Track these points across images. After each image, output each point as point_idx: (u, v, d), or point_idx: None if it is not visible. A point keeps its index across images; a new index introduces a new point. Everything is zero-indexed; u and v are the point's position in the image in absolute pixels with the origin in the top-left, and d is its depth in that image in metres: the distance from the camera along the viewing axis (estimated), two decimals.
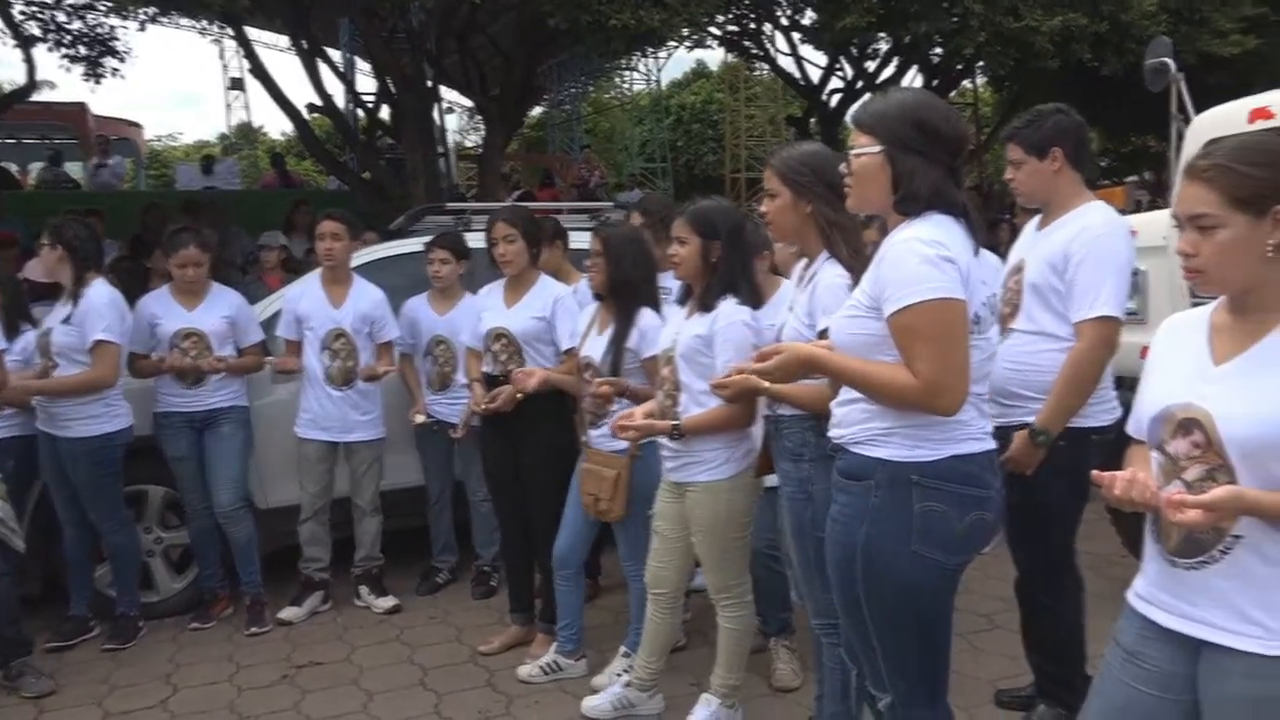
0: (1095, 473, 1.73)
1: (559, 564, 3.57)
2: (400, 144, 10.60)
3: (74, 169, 14.44)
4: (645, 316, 3.33)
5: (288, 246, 7.25)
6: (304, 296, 4.41)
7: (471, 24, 9.74)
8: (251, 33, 10.76)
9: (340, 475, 4.40)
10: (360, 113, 12.44)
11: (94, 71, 9.70)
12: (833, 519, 2.20)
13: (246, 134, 33.79)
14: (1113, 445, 2.72)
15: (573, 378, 3.57)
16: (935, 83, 13.91)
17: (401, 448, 4.58)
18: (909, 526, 2.04)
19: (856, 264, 2.20)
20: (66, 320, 3.89)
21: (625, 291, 3.35)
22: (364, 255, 4.90)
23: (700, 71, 33.14)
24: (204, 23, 10.69)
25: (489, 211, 4.41)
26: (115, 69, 9.93)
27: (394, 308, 4.51)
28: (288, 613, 4.29)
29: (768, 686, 3.46)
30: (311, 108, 10.68)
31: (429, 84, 9.96)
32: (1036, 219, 3.01)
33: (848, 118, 15.38)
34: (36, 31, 9.48)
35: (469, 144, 23.04)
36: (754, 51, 15.23)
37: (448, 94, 14.78)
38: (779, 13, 13.29)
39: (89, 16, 9.40)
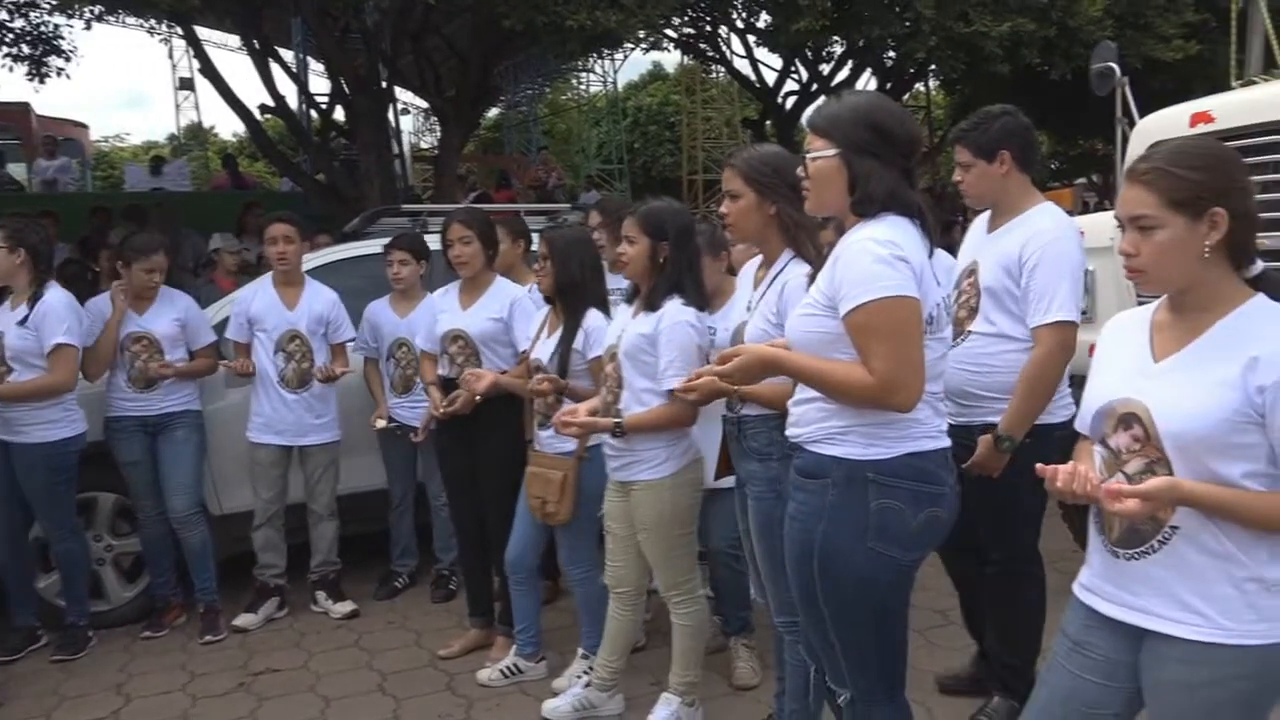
0: (1039, 466, 1.77)
1: (511, 569, 3.56)
2: (355, 145, 10.50)
3: (17, 170, 14.10)
4: (592, 318, 3.34)
5: (249, 249, 7.15)
6: (256, 299, 4.35)
7: (426, 24, 9.67)
8: (201, 32, 10.59)
9: (295, 480, 4.35)
10: (313, 114, 12.29)
11: (38, 71, 9.49)
12: (790, 517, 2.23)
13: (196, 135, 33.21)
14: (1071, 440, 2.84)
15: (524, 381, 3.57)
16: (889, 86, 14.08)
17: (360, 451, 4.54)
18: (865, 523, 2.07)
19: (818, 264, 2.22)
20: (22, 323, 3.80)
21: (572, 293, 3.35)
22: (318, 257, 4.87)
23: (656, 73, 33.21)
24: (152, 22, 10.50)
25: (445, 213, 4.39)
26: (60, 69, 9.73)
27: (350, 310, 4.48)
28: (243, 620, 4.23)
29: (728, 685, 3.48)
30: (264, 108, 10.54)
31: (383, 85, 9.87)
32: (984, 219, 3.06)
33: (803, 120, 15.54)
34: None
35: (424, 145, 22.87)
36: (710, 54, 15.32)
37: (402, 95, 14.68)
38: (734, 15, 13.38)
39: (32, 15, 9.19)
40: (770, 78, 15.31)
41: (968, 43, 10.24)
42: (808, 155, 2.17)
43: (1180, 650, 1.68)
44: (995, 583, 3.11)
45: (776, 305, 2.50)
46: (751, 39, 14.33)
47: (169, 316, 4.18)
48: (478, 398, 3.61)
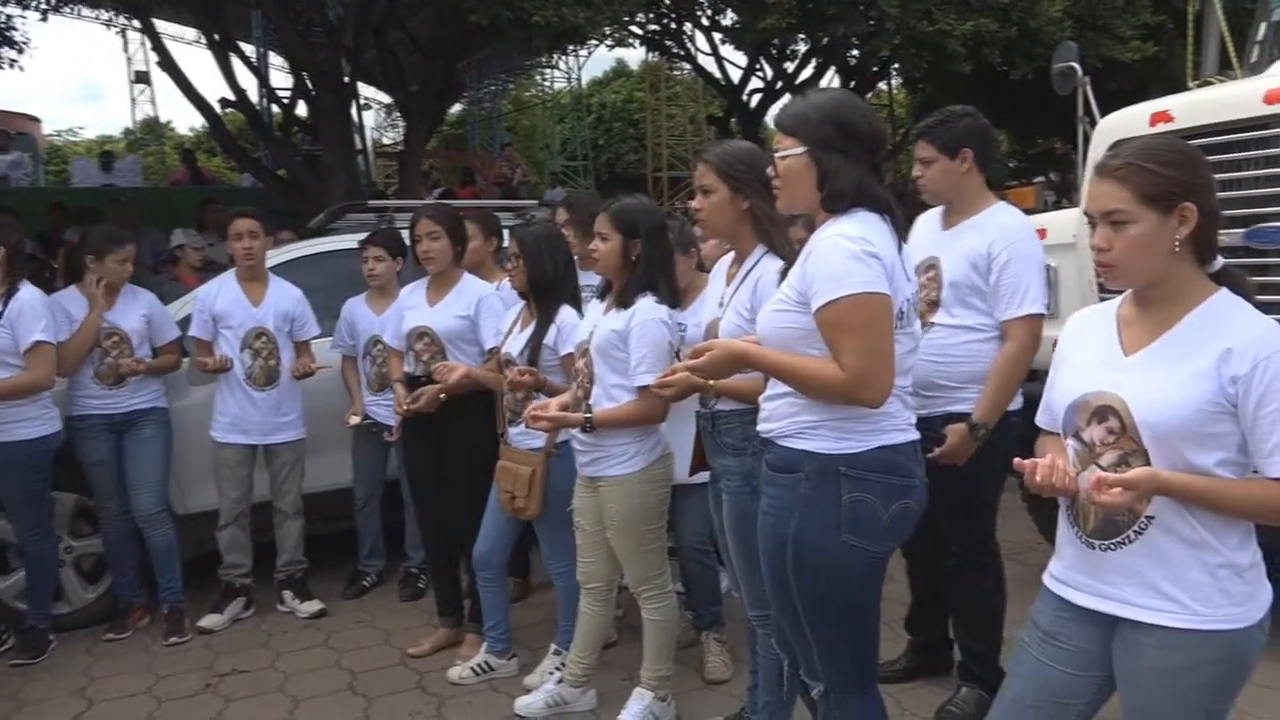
0: (1017, 460, 1.80)
1: (480, 565, 3.55)
2: (317, 141, 10.38)
3: None
4: (564, 314, 3.34)
5: (214, 245, 7.04)
6: (220, 295, 4.30)
7: (389, 18, 9.59)
8: (160, 25, 10.39)
9: (260, 478, 4.30)
10: (275, 108, 12.14)
11: None
12: (763, 511, 2.24)
13: (153, 129, 32.65)
14: (1020, 429, 2.93)
15: (495, 375, 3.56)
16: (852, 84, 14.19)
17: (327, 449, 4.50)
18: (838, 517, 2.09)
19: (790, 260, 2.24)
20: None
21: (545, 290, 3.35)
22: (283, 254, 4.81)
23: (620, 70, 33.18)
24: (108, 14, 10.31)
25: (411, 209, 4.35)
26: (13, 60, 9.52)
27: (315, 307, 4.44)
28: (208, 620, 4.17)
29: (700, 679, 3.49)
30: (224, 102, 10.39)
31: (346, 80, 9.77)
32: (935, 215, 3.11)
33: (768, 118, 15.61)
34: None
35: (386, 141, 22.68)
36: (675, 51, 15.34)
37: (365, 90, 14.53)
38: (700, 13, 13.41)
39: None
40: (735, 75, 15.37)
41: (931, 42, 10.36)
42: (777, 154, 2.19)
43: (1156, 637, 1.72)
44: (957, 574, 3.17)
45: (750, 300, 2.51)
46: (717, 36, 14.39)
47: (137, 312, 4.13)
48: (442, 396, 3.59)
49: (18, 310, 3.75)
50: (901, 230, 2.18)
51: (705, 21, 13.94)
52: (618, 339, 2.91)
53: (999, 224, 2.92)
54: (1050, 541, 4.27)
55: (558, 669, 3.38)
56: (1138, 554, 1.73)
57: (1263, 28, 4.61)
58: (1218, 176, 3.32)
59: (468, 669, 3.58)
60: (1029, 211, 5.62)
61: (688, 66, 16.78)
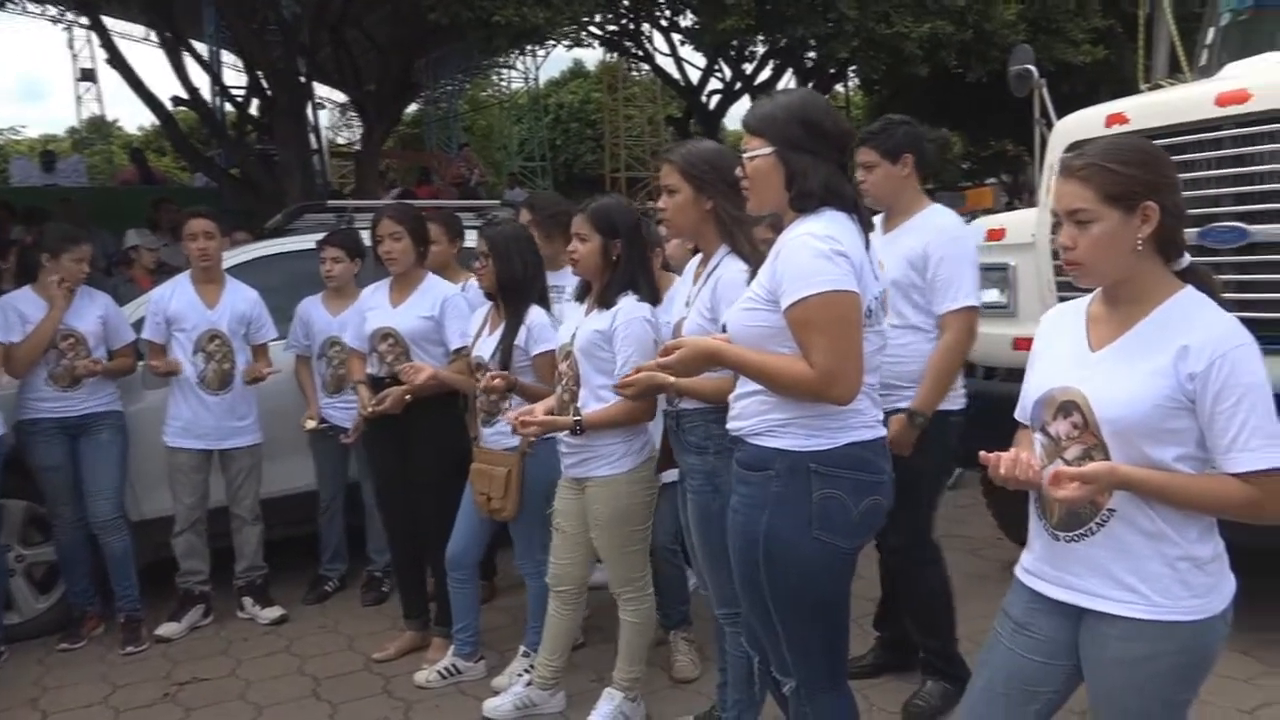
0: (982, 454, 1.82)
1: (453, 565, 3.52)
2: (273, 140, 10.23)
3: None
4: (533, 314, 3.33)
5: (168, 246, 6.92)
6: (174, 297, 4.22)
7: (346, 16, 9.48)
8: (108, 21, 10.16)
9: (217, 483, 4.23)
10: (229, 107, 11.95)
11: None
12: (734, 509, 2.25)
13: (99, 128, 31.96)
14: (961, 428, 3.07)
15: (464, 376, 3.53)
16: (810, 85, 14.28)
17: (287, 453, 4.44)
18: (809, 513, 2.11)
19: (755, 258, 2.25)
20: None
21: (514, 290, 3.34)
22: (239, 255, 4.74)
23: (578, 70, 33.13)
24: (55, 9, 10.08)
25: (371, 209, 4.30)
26: None
27: (272, 309, 4.37)
28: (166, 629, 4.09)
29: (668, 678, 3.49)
30: (177, 101, 10.20)
31: (302, 79, 9.64)
32: (875, 221, 3.18)
33: (727, 119, 15.69)
34: None
35: (340, 141, 22.41)
36: (634, 51, 15.35)
37: (320, 89, 14.34)
38: (658, 14, 13.43)
39: None
40: (694, 76, 15.43)
41: (888, 44, 10.47)
42: (745, 154, 2.20)
43: (1119, 628, 1.75)
44: (900, 569, 3.27)
45: (710, 300, 2.53)
46: (676, 37, 14.42)
47: (93, 314, 4.04)
48: (408, 397, 3.56)
49: None
50: (869, 228, 2.21)
51: (664, 23, 13.97)
52: (602, 339, 2.90)
53: (934, 225, 3.06)
54: (1010, 537, 4.38)
55: (526, 671, 3.36)
56: (1100, 546, 1.77)
57: (1211, 32, 4.72)
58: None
59: (435, 672, 3.55)
60: (987, 212, 5.73)
61: (646, 67, 16.79)
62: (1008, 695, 1.92)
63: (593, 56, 31.10)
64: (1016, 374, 2.08)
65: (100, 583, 4.11)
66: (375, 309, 3.80)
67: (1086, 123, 3.75)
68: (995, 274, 4.18)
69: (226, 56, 13.81)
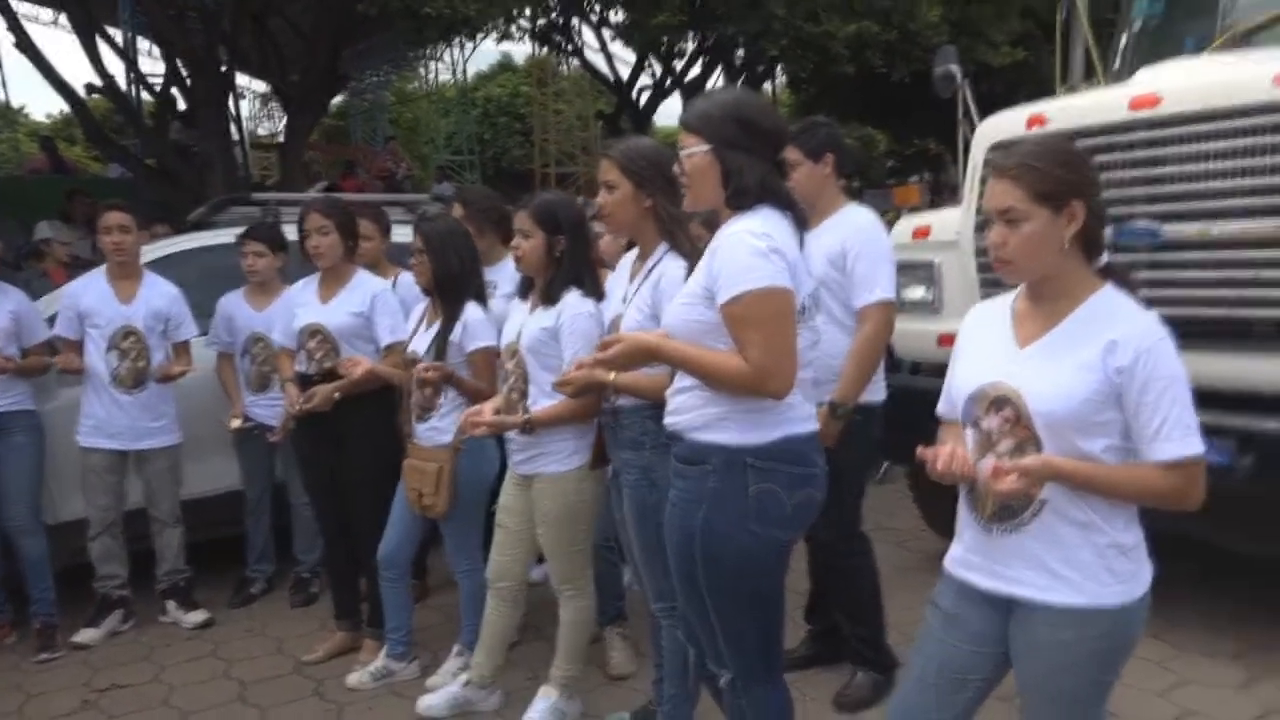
0: (919, 449, 1.87)
1: (385, 564, 3.47)
2: (193, 130, 9.93)
3: None
4: (469, 310, 3.30)
5: (83, 239, 6.67)
6: (87, 292, 4.09)
7: (270, 4, 9.25)
8: (15, 4, 9.75)
9: (134, 485, 4.10)
10: (146, 95, 11.56)
11: None
12: (671, 503, 2.27)
13: (3, 114, 30.64)
14: (882, 420, 3.18)
15: (399, 371, 3.49)
16: (739, 83, 14.40)
17: (210, 452, 4.33)
18: (746, 507, 2.13)
19: (695, 256, 2.27)
20: None
21: (450, 286, 3.31)
22: (159, 249, 4.61)
23: (506, 64, 32.83)
24: None
25: (296, 202, 4.20)
26: None
27: (197, 305, 4.26)
28: (84, 635, 3.96)
29: (604, 675, 3.50)
30: (91, 88, 9.84)
31: (224, 68, 9.38)
32: None
33: (657, 115, 15.72)
34: None
35: (262, 132, 21.87)
36: (563, 46, 15.30)
37: (240, 79, 13.97)
38: (589, 9, 13.40)
39: None
40: (625, 72, 15.44)
41: (816, 43, 10.63)
42: (682, 152, 2.21)
43: (1049, 615, 1.81)
44: (829, 562, 3.34)
45: (651, 297, 2.54)
46: (606, 33, 14.41)
47: (3, 309, 3.88)
48: (336, 395, 3.50)
49: None
50: (803, 226, 2.24)
51: (594, 18, 13.95)
52: (548, 336, 2.89)
53: (851, 222, 3.15)
54: (936, 530, 4.48)
55: (462, 670, 3.34)
56: (1032, 536, 1.82)
57: (1124, 37, 4.88)
58: None
59: (367, 674, 3.50)
60: (915, 209, 5.84)
61: (576, 62, 16.74)
62: (939, 685, 1.97)
63: (521, 51, 30.93)
64: (941, 369, 2.13)
65: (13, 589, 3.96)
66: (304, 305, 3.72)
67: (1008, 124, 3.85)
68: (920, 271, 4.27)
69: (143, 43, 13.39)
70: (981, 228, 3.43)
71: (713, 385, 2.14)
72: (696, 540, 2.19)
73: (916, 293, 4.34)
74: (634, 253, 2.75)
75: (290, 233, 4.18)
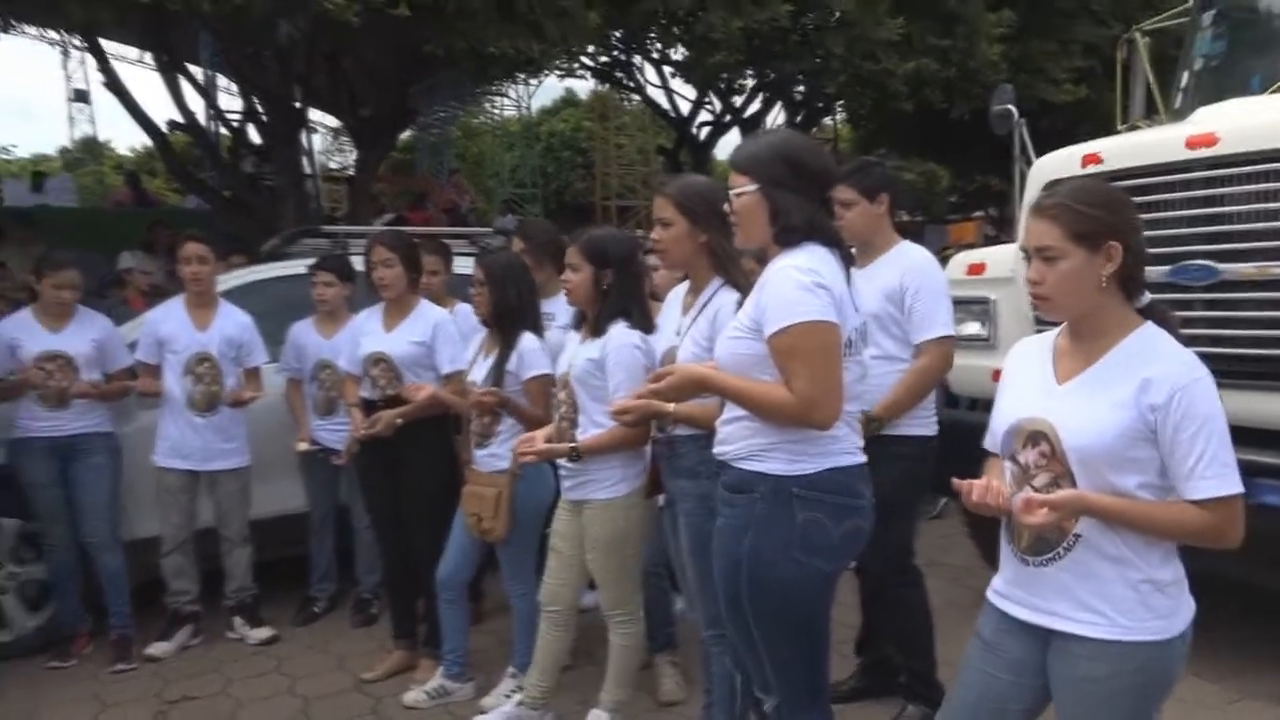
0: (955, 480, 1.91)
1: (443, 586, 3.58)
2: (269, 165, 10.31)
3: None
4: (525, 340, 3.42)
5: (162, 269, 6.96)
6: (167, 319, 4.29)
7: (341, 45, 9.60)
8: (104, 44, 10.26)
9: (205, 505, 4.27)
10: (224, 130, 12.04)
11: None
12: (719, 530, 2.33)
13: (91, 149, 31.97)
14: (938, 453, 3.19)
15: (459, 398, 3.61)
16: (799, 119, 14.50)
17: (278, 474, 4.48)
18: (791, 536, 2.19)
19: (746, 290, 2.35)
20: None
21: (508, 317, 3.43)
22: (235, 278, 4.80)
23: (569, 99, 33.37)
24: (55, 34, 10.17)
25: (363, 234, 4.36)
26: None
27: (269, 333, 4.44)
28: (156, 648, 4.12)
29: (653, 701, 3.55)
30: (173, 125, 10.28)
31: (297, 105, 9.74)
32: None
33: (717, 150, 15.86)
34: None
35: (334, 165, 22.51)
36: (625, 83, 15.55)
37: (312, 114, 14.45)
38: (650, 47, 13.63)
39: None
40: (685, 107, 15.63)
41: (874, 80, 10.68)
42: (732, 192, 2.30)
43: (1084, 648, 1.83)
44: (880, 594, 3.36)
45: (708, 331, 2.61)
46: (667, 70, 14.62)
47: (86, 336, 4.09)
48: (399, 420, 3.63)
49: None
50: (850, 262, 2.31)
51: (655, 55, 14.17)
52: (594, 368, 2.99)
53: (908, 259, 3.20)
54: (990, 564, 4.43)
55: (514, 691, 3.42)
56: (1066, 569, 1.85)
57: (1185, 75, 4.87)
58: (1143, 216, 3.54)
59: (423, 693, 3.60)
60: (969, 246, 5.85)
61: (637, 97, 17.00)
62: (978, 712, 2.00)
63: (585, 86, 31.36)
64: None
65: (90, 601, 4.14)
66: (369, 334, 3.87)
67: (1063, 162, 3.88)
68: (976, 307, 4.29)
69: (221, 80, 13.94)
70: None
71: (760, 416, 2.21)
72: (743, 567, 2.24)
73: (971, 328, 4.36)
74: (684, 286, 2.84)
75: (358, 264, 4.35)
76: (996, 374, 2.93)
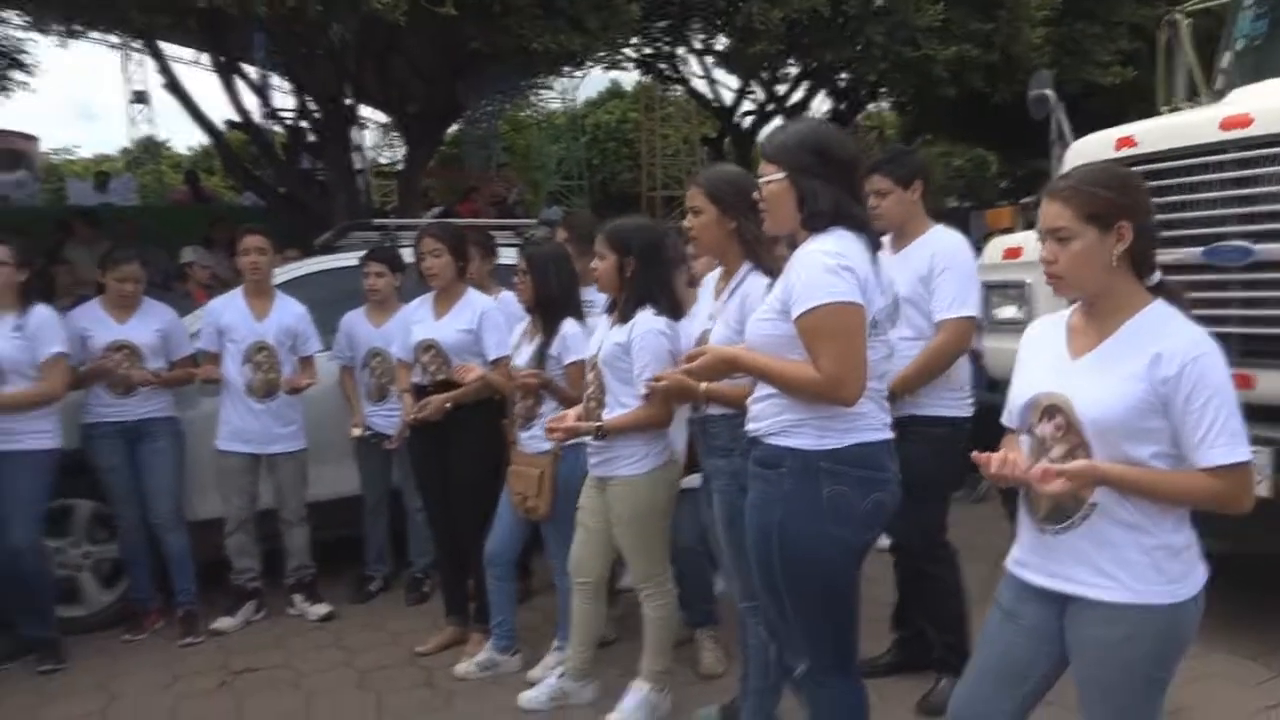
0: (974, 454, 2.00)
1: (490, 562, 3.73)
2: (321, 161, 10.59)
3: None
4: (567, 326, 3.55)
5: (221, 263, 7.22)
6: (227, 310, 4.49)
7: (391, 44, 9.83)
8: (163, 45, 10.61)
9: (266, 487, 4.47)
10: (278, 129, 12.36)
11: (1, 86, 9.49)
12: (750, 504, 2.44)
13: (150, 148, 32.80)
14: (972, 434, 3.18)
15: (505, 382, 3.76)
16: (842, 106, 14.45)
17: (335, 458, 4.67)
18: (819, 508, 2.29)
19: (776, 274, 2.45)
20: (15, 335, 3.91)
21: (550, 304, 3.57)
22: (289, 271, 4.99)
23: (615, 91, 33.49)
24: (116, 37, 10.53)
25: (413, 227, 4.51)
26: (24, 83, 9.74)
27: (322, 323, 4.61)
28: (222, 623, 4.34)
29: (694, 674, 3.67)
30: (231, 125, 10.60)
31: (348, 102, 9.99)
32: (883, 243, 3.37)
33: (760, 138, 15.85)
34: None
35: (383, 160, 22.87)
36: (668, 74, 15.61)
37: (362, 110, 14.72)
38: (692, 37, 13.68)
39: None
40: (728, 97, 15.66)
41: (916, 67, 10.63)
42: (761, 180, 2.41)
43: (1099, 612, 1.92)
44: (914, 570, 3.45)
45: (738, 313, 2.72)
46: (709, 60, 14.65)
47: (151, 327, 4.32)
48: (448, 405, 3.78)
49: (37, 325, 3.95)
50: (877, 246, 2.40)
51: (698, 46, 14.22)
52: (621, 351, 3.12)
53: (939, 241, 3.29)
54: None
55: (560, 664, 3.56)
56: (1083, 537, 1.93)
57: (1226, 56, 4.85)
58: (1178, 198, 3.57)
59: (473, 665, 3.76)
60: (1006, 231, 5.87)
61: (681, 88, 17.06)
62: (1000, 676, 2.09)
63: (630, 77, 31.43)
64: None
65: (159, 580, 4.37)
66: (419, 322, 4.04)
67: (1098, 146, 3.90)
68: (1012, 290, 4.33)
69: (274, 80, 14.27)
70: None
71: (787, 393, 2.32)
72: (773, 539, 2.35)
73: (1008, 311, 4.40)
74: (717, 272, 2.95)
75: (407, 255, 4.52)
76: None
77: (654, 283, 3.17)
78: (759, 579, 2.46)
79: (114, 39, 10.76)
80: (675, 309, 3.18)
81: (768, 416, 2.38)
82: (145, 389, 4.24)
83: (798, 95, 14.33)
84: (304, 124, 11.05)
